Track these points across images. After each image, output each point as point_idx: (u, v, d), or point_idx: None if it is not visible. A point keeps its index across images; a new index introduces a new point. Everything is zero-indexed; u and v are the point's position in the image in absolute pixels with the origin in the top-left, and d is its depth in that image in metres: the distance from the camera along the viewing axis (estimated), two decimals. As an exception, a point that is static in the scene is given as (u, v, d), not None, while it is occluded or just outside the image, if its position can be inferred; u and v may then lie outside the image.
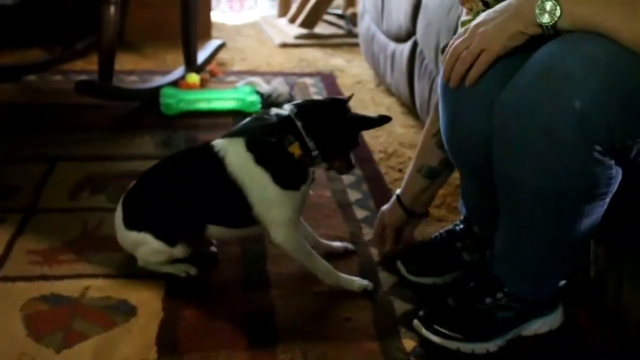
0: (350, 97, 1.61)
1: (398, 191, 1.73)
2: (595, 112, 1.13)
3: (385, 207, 1.76)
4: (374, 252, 1.79)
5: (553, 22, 1.17)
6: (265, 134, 1.54)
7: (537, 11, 1.18)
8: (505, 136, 1.24)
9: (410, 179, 1.70)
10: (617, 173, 1.24)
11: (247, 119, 1.63)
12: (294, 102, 1.60)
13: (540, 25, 1.19)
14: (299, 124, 1.53)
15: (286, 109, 1.56)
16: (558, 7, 1.16)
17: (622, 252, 1.49)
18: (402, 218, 1.73)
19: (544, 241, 1.35)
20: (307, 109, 1.57)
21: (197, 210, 1.61)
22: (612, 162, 1.21)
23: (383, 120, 1.57)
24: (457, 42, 1.30)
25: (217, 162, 1.56)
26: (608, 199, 1.27)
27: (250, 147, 1.55)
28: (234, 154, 1.56)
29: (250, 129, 1.58)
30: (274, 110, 1.58)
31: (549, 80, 1.16)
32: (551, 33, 1.19)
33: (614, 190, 1.26)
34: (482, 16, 1.27)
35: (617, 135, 1.16)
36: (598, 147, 1.17)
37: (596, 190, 1.24)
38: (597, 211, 1.29)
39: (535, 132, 1.19)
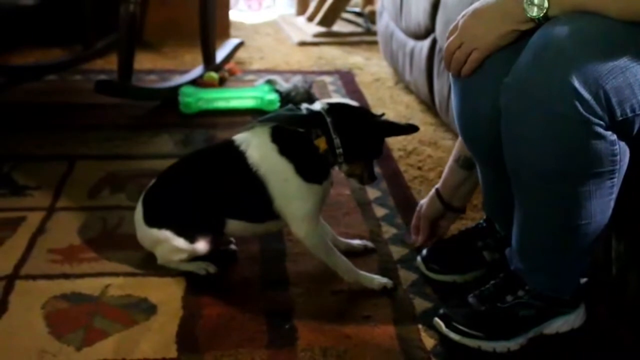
0: (382, 115, 1.62)
1: (437, 185, 1.74)
2: (590, 85, 1.15)
3: (424, 199, 1.79)
4: (394, 250, 1.79)
5: (543, 13, 1.22)
6: (295, 124, 1.55)
7: (525, 7, 1.23)
8: (509, 117, 1.26)
9: (449, 171, 1.72)
10: (623, 151, 1.24)
11: (279, 110, 1.64)
12: (327, 101, 1.61)
13: (532, 19, 1.23)
14: (328, 119, 1.53)
15: (318, 105, 1.57)
16: None
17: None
18: (439, 210, 1.74)
19: (554, 228, 1.35)
20: (338, 107, 1.57)
21: (217, 204, 1.61)
22: (615, 137, 1.21)
23: (410, 129, 1.58)
24: (449, 40, 1.36)
25: (238, 155, 1.56)
26: (617, 180, 1.27)
27: (275, 137, 1.55)
28: (258, 145, 1.56)
29: (281, 118, 1.58)
30: (305, 105, 1.59)
31: (544, 58, 1.18)
32: (543, 23, 1.22)
33: (622, 171, 1.26)
34: (470, 10, 1.33)
35: (615, 107, 1.17)
36: (598, 121, 1.17)
37: (600, 167, 1.23)
38: (607, 193, 1.28)
39: (535, 110, 1.20)
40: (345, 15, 4.10)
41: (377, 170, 2.13)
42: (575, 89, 1.15)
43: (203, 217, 1.62)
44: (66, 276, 1.63)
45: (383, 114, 1.63)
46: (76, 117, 2.63)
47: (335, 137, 1.53)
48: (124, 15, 2.52)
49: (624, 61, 1.15)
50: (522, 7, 1.23)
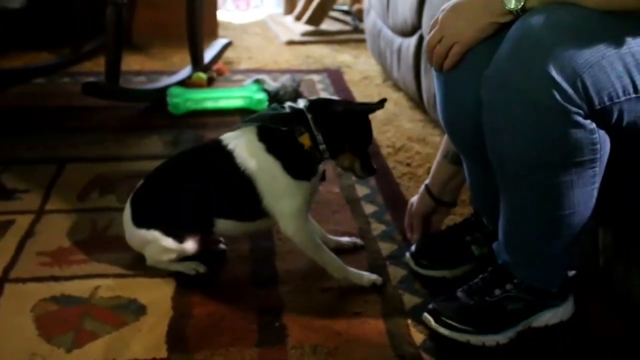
0: (381, 102, 1.59)
1: (427, 181, 1.75)
2: (568, 75, 1.16)
3: (413, 198, 1.79)
4: (383, 246, 1.79)
5: (521, 5, 1.24)
6: (278, 123, 1.55)
7: None
8: (490, 109, 1.28)
9: (437, 166, 1.72)
10: (603, 140, 1.25)
11: (263, 110, 1.64)
12: (310, 98, 1.61)
13: (511, 12, 1.25)
14: (309, 116, 1.54)
15: (300, 103, 1.57)
16: None
17: (630, 240, 1.48)
18: (431, 206, 1.74)
19: (539, 219, 1.36)
20: (318, 103, 1.58)
21: (206, 204, 1.61)
22: (594, 126, 1.22)
23: (380, 104, 1.57)
24: (430, 34, 1.38)
25: (226, 154, 1.57)
26: (598, 170, 1.28)
27: (262, 136, 1.56)
28: (245, 144, 1.57)
29: (263, 117, 1.59)
30: (289, 104, 1.59)
31: (522, 49, 1.20)
32: (522, 15, 1.24)
33: (603, 160, 1.28)
34: (450, 5, 1.35)
35: (593, 96, 1.18)
36: (577, 110, 1.19)
37: (581, 156, 1.24)
38: (588, 182, 1.29)
39: (514, 101, 1.22)
40: (333, 13, 4.10)
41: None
42: (553, 79, 1.16)
43: (192, 216, 1.63)
44: (55, 279, 1.63)
45: (385, 100, 1.60)
46: (65, 119, 2.63)
47: (317, 133, 1.53)
48: (110, 17, 2.51)
49: (600, 50, 1.16)
50: (501, 0, 1.25)
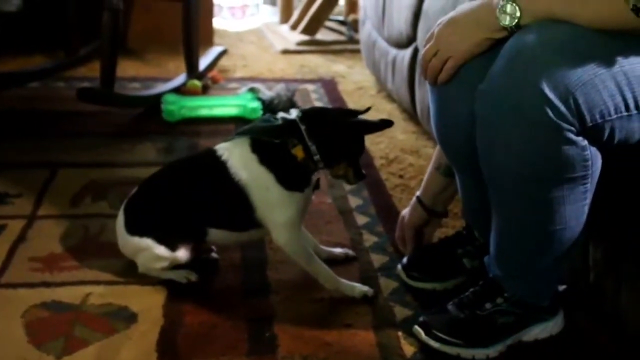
0: (365, 110, 1.61)
1: (418, 193, 1.75)
2: (561, 92, 1.17)
3: (405, 210, 1.80)
4: (375, 258, 1.79)
5: (515, 22, 1.25)
6: (270, 135, 1.55)
7: (498, 15, 1.26)
8: (483, 123, 1.28)
9: (429, 178, 1.73)
10: (595, 157, 1.26)
11: (255, 121, 1.65)
12: (302, 108, 1.61)
13: (505, 28, 1.26)
14: (302, 127, 1.54)
15: (293, 114, 1.57)
16: (517, 8, 1.24)
17: (620, 256, 1.49)
18: (423, 217, 1.75)
19: (530, 234, 1.37)
20: (311, 114, 1.58)
21: (199, 213, 1.62)
22: (586, 142, 1.23)
23: (384, 124, 1.56)
24: (425, 48, 1.39)
25: (219, 164, 1.57)
26: (589, 186, 1.29)
27: (255, 147, 1.56)
28: (238, 155, 1.57)
29: (256, 130, 1.59)
30: (282, 114, 1.59)
31: (516, 65, 1.21)
32: (516, 32, 1.25)
33: (595, 176, 1.29)
34: (446, 19, 1.36)
35: (585, 114, 1.19)
36: (569, 127, 1.20)
37: (572, 172, 1.25)
38: (580, 199, 1.30)
39: (508, 116, 1.22)
40: (328, 23, 4.11)
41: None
42: (546, 96, 1.17)
43: (184, 225, 1.63)
44: (47, 284, 1.63)
45: (369, 108, 1.62)
46: (58, 124, 2.63)
47: (311, 144, 1.54)
48: (106, 22, 2.52)
49: (593, 68, 1.17)
50: (495, 16, 1.26)
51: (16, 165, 2.26)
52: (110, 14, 2.51)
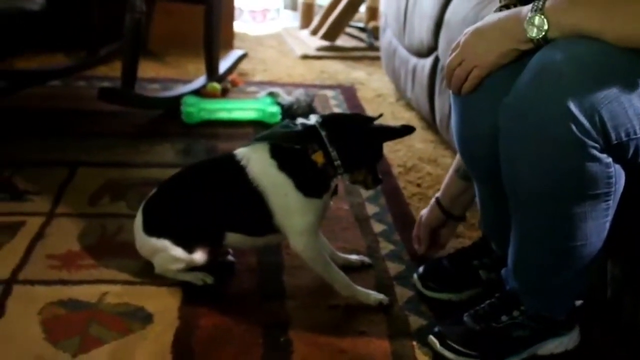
0: (379, 117, 1.62)
1: (437, 194, 1.76)
2: (587, 110, 1.16)
3: (424, 210, 1.81)
4: (391, 266, 1.79)
5: (542, 35, 1.24)
6: (290, 141, 1.56)
7: (526, 27, 1.25)
8: (507, 137, 1.28)
9: (449, 181, 1.74)
10: (619, 174, 1.26)
11: (275, 127, 1.65)
12: (321, 114, 1.61)
13: (532, 40, 1.25)
14: (323, 133, 1.54)
15: (312, 119, 1.58)
16: (545, 21, 1.22)
17: (639, 272, 1.48)
18: (440, 218, 1.75)
19: (550, 249, 1.36)
20: (332, 120, 1.59)
21: (217, 217, 1.62)
22: (610, 160, 1.23)
23: (406, 130, 1.58)
24: (450, 57, 1.38)
25: (239, 169, 1.57)
26: (612, 203, 1.29)
27: (274, 153, 1.57)
28: (257, 160, 1.57)
29: (275, 135, 1.60)
30: (301, 120, 1.59)
31: (543, 81, 1.20)
32: (542, 44, 1.24)
33: (618, 193, 1.28)
34: (472, 29, 1.35)
35: (610, 132, 1.19)
36: (593, 144, 1.19)
37: (596, 189, 1.25)
38: (602, 215, 1.29)
39: (532, 132, 1.22)
40: (348, 30, 4.11)
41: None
42: (571, 112, 1.16)
43: (202, 228, 1.63)
44: (64, 282, 1.64)
45: (381, 115, 1.63)
46: (78, 123, 2.64)
47: (331, 150, 1.54)
48: (129, 23, 2.53)
49: (619, 87, 1.17)
50: (523, 27, 1.25)
51: (36, 163, 2.27)
52: (133, 17, 2.53)
